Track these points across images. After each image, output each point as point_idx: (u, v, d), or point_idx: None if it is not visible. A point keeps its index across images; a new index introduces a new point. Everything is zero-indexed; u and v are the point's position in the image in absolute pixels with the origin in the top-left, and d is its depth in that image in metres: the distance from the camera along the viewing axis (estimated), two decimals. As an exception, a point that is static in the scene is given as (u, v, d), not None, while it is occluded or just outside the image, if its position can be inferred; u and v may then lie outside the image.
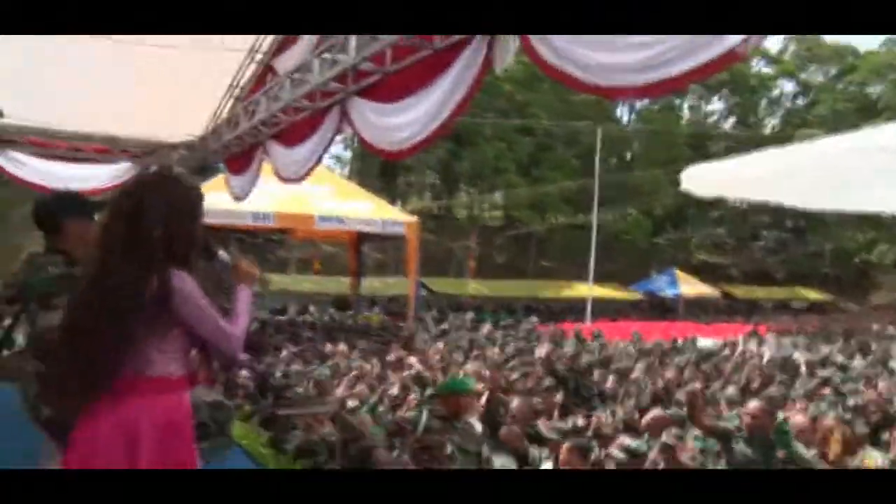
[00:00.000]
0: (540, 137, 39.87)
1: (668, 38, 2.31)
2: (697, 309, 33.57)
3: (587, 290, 26.55)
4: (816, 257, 43.49)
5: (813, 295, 39.97)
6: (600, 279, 28.27)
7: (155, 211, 2.11)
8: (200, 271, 2.24)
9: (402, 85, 3.71)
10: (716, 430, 4.84)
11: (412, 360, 9.61)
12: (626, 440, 5.23)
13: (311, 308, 22.03)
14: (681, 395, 7.02)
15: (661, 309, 33.65)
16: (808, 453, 4.72)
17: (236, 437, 5.83)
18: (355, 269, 19.72)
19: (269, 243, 14.05)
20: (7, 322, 3.34)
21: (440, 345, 13.18)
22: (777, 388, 8.01)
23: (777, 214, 42.40)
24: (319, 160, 4.96)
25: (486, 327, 17.30)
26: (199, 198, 2.30)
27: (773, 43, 46.93)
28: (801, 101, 47.96)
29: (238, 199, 6.80)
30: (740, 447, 4.64)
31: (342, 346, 10.80)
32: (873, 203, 10.85)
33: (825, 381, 8.71)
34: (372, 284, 27.24)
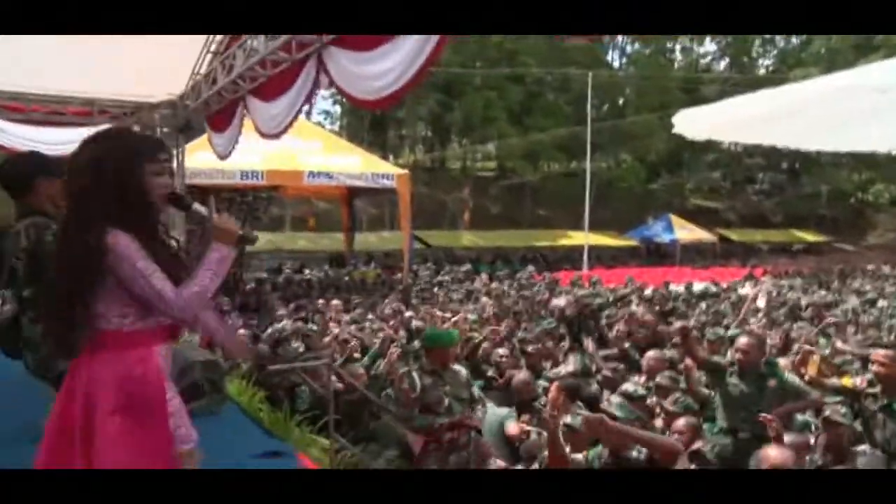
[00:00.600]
0: (530, 85, 39.46)
1: None
2: (694, 254, 33.66)
3: (583, 237, 26.51)
4: (812, 199, 43.42)
5: (810, 237, 39.97)
6: (596, 227, 28.20)
7: (94, 164, 2.11)
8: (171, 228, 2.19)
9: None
10: (708, 363, 4.94)
11: (408, 313, 9.62)
12: (625, 385, 5.28)
13: (306, 267, 22.08)
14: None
15: (657, 255, 33.74)
16: (797, 381, 4.84)
17: (232, 394, 5.83)
18: (348, 224, 19.69)
19: (258, 201, 13.90)
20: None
21: (437, 296, 13.27)
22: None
23: (772, 156, 42.29)
24: (298, 113, 4.85)
25: (483, 278, 17.36)
26: (151, 150, 2.20)
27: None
28: (795, 41, 47.34)
29: (221, 157, 6.68)
30: (734, 381, 4.73)
31: (336, 302, 10.79)
32: (870, 142, 10.81)
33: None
34: (368, 240, 27.26)
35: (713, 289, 13.94)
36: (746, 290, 14.23)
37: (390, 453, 5.11)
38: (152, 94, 7.84)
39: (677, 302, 11.53)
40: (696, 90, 40.48)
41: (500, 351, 7.00)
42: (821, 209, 43.71)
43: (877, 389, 4.34)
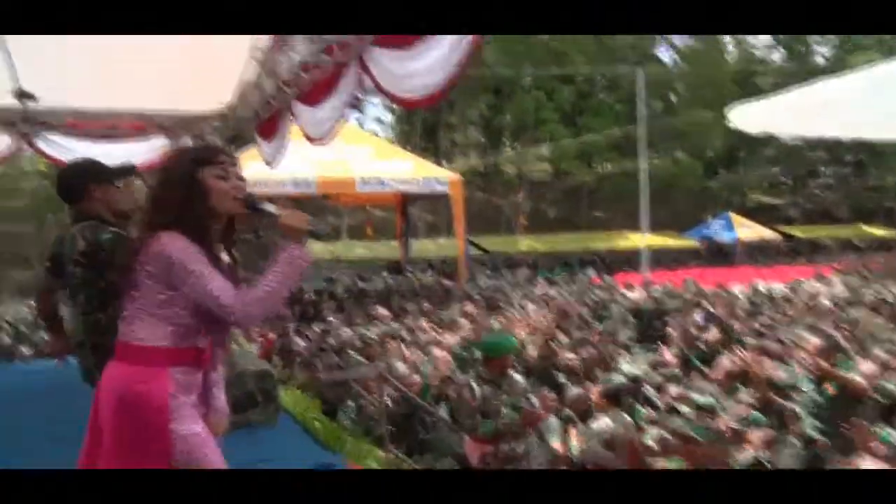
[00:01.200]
0: (580, 85, 38.97)
1: None
2: (757, 252, 32.72)
3: (641, 239, 25.99)
4: (880, 191, 41.72)
5: (879, 232, 38.14)
6: (654, 227, 27.60)
7: (161, 174, 2.18)
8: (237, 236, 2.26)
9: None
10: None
11: (463, 321, 9.51)
12: (693, 394, 5.08)
13: (364, 275, 22.15)
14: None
15: (718, 255, 32.87)
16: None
17: (287, 404, 5.78)
18: (403, 231, 19.65)
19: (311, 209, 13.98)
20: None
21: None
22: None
23: (835, 149, 40.74)
24: (344, 117, 4.79)
25: (541, 283, 17.16)
26: (211, 155, 2.18)
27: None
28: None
29: (270, 165, 6.65)
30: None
31: (391, 311, 10.75)
32: (939, 130, 10.33)
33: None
34: (425, 246, 27.32)
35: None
36: (818, 288, 13.65)
37: (445, 463, 5.01)
38: (203, 105, 7.89)
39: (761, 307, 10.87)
40: (751, 82, 39.39)
41: (569, 355, 6.90)
42: (889, 202, 41.98)
43: None
